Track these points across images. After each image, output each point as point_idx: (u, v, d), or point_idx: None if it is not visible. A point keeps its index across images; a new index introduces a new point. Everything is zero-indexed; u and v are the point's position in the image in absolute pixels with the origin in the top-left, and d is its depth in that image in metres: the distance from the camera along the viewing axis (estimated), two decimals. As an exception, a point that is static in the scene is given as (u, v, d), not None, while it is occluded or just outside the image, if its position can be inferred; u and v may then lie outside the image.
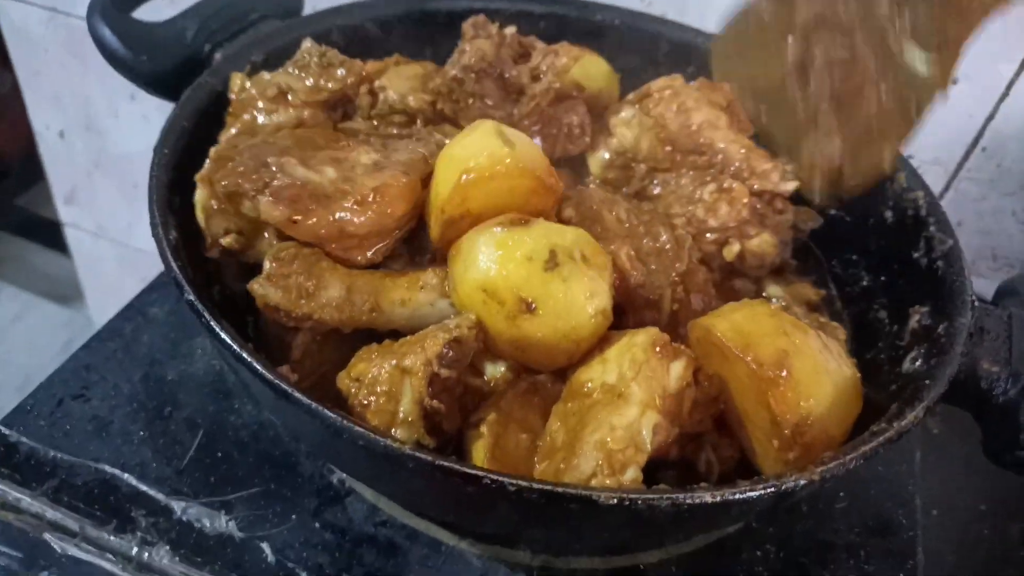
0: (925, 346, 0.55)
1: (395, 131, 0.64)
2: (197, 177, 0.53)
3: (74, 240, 1.50)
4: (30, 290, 2.23)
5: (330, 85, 0.61)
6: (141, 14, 0.68)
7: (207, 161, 0.53)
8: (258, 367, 0.43)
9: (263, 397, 0.48)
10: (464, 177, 0.51)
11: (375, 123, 0.64)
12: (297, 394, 0.42)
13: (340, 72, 0.62)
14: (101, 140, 1.33)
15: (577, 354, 0.50)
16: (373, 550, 0.55)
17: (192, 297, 0.46)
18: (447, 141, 0.57)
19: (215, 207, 0.52)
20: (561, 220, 0.54)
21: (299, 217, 0.50)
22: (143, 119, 1.27)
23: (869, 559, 0.59)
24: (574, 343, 0.49)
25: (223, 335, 0.45)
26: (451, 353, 0.48)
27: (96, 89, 1.27)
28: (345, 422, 0.41)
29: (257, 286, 0.50)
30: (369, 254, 0.53)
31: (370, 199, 0.51)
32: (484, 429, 0.49)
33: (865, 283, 0.67)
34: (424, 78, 0.67)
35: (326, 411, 0.41)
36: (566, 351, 0.49)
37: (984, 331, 0.54)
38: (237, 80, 0.61)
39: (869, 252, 0.67)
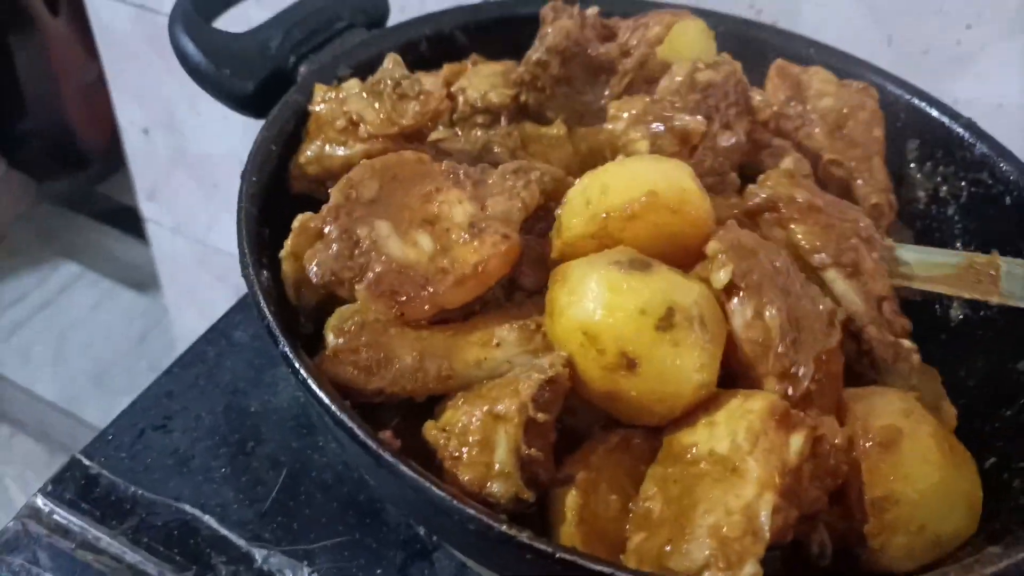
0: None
1: (479, 133, 0.60)
2: (282, 255, 0.49)
3: (154, 235, 1.52)
4: (109, 277, 2.28)
5: (403, 121, 0.56)
6: (224, 23, 0.65)
7: (291, 233, 0.50)
8: (360, 433, 0.40)
9: (359, 460, 0.45)
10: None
11: (457, 130, 0.60)
12: (403, 467, 0.38)
13: (413, 107, 0.57)
14: (183, 139, 1.33)
15: (669, 418, 0.46)
16: (462, 613, 0.51)
17: (287, 350, 0.43)
18: (540, 169, 0.53)
19: (306, 283, 0.49)
20: (705, 256, 0.49)
21: (403, 311, 0.47)
22: (223, 119, 1.26)
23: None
24: (668, 409, 0.45)
25: (322, 395, 0.41)
26: (546, 394, 0.44)
27: (178, 87, 1.27)
28: (455, 502, 0.37)
29: (324, 364, 0.46)
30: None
31: (470, 276, 0.48)
32: (573, 488, 0.45)
33: None
34: (504, 73, 0.62)
35: (435, 488, 0.38)
36: (659, 414, 0.45)
37: None
38: (320, 92, 0.58)
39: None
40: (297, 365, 0.42)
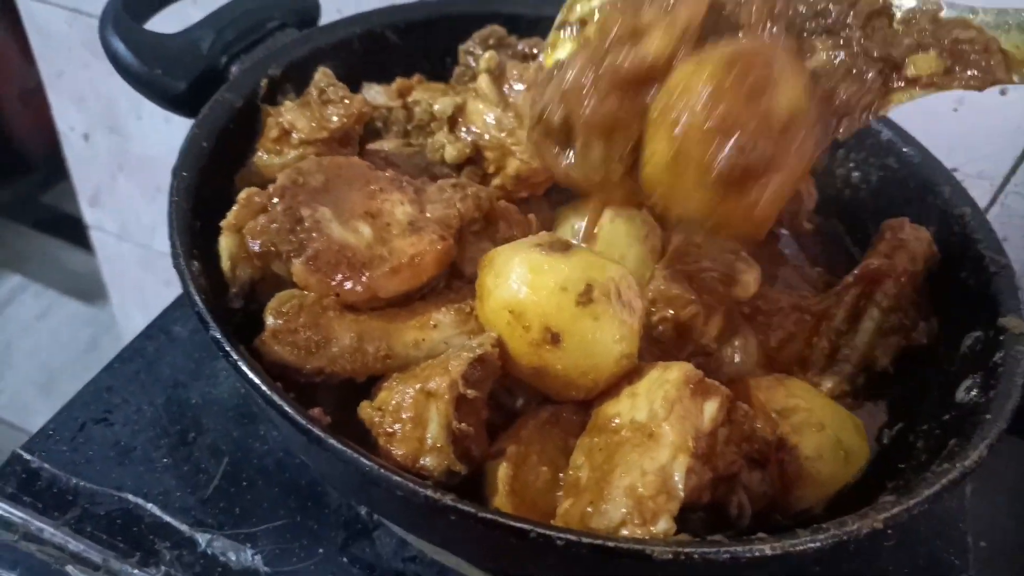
0: (980, 375, 0.52)
1: (431, 140, 0.62)
2: (224, 224, 0.50)
3: (98, 241, 1.50)
4: (55, 287, 2.24)
5: (330, 125, 0.59)
6: (155, 24, 0.66)
7: (235, 204, 0.51)
8: (289, 410, 0.41)
9: (292, 439, 0.46)
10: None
11: (411, 140, 0.62)
12: (332, 440, 0.40)
13: (338, 110, 0.59)
14: (125, 142, 1.32)
15: (594, 391, 0.48)
16: (402, 587, 0.53)
17: (219, 335, 0.44)
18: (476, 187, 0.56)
19: (242, 256, 0.50)
20: None
21: (338, 290, 0.48)
22: (165, 121, 1.26)
23: (919, 601, 0.57)
24: (592, 381, 0.47)
25: (252, 375, 0.43)
26: (477, 372, 0.47)
27: (119, 90, 1.26)
28: (383, 471, 0.39)
29: (262, 346, 0.48)
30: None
31: (406, 266, 0.50)
32: (504, 461, 0.47)
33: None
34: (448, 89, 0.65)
35: (363, 459, 0.39)
36: (583, 387, 0.48)
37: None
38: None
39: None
40: (227, 347, 0.43)
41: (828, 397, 0.55)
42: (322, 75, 0.61)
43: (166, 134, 1.27)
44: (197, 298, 0.46)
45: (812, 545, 0.39)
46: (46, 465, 0.56)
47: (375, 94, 0.66)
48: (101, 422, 0.59)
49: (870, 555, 0.59)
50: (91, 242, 1.53)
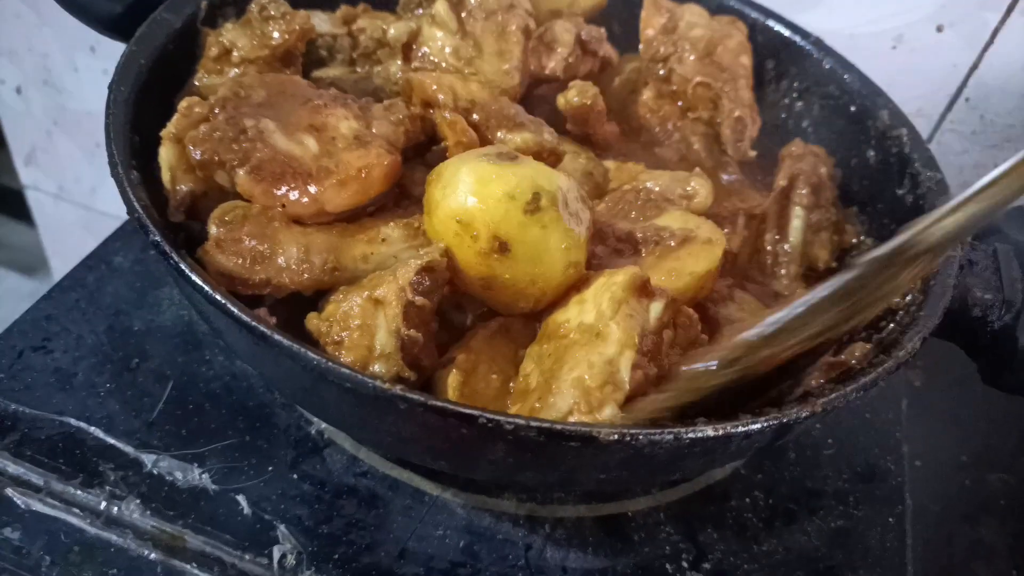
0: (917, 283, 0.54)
1: (378, 68, 0.61)
2: (164, 134, 0.49)
3: (35, 203, 1.45)
4: (-9, 262, 2.17)
5: (272, 41, 0.58)
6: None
7: (175, 114, 0.50)
8: (233, 309, 0.41)
9: (238, 343, 0.46)
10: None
11: (357, 68, 0.61)
12: (277, 336, 0.40)
13: (276, 29, 0.58)
14: (61, 96, 1.28)
15: (543, 301, 0.49)
16: (354, 501, 0.53)
17: (158, 238, 0.44)
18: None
19: (183, 167, 0.49)
20: None
21: (283, 201, 0.48)
22: (104, 74, 1.22)
23: (858, 505, 0.59)
24: (540, 291, 0.48)
25: (194, 277, 0.42)
26: (425, 281, 0.47)
27: (53, 42, 1.22)
28: (330, 364, 0.39)
29: (205, 255, 0.47)
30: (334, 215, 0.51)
31: (353, 179, 0.49)
32: (454, 368, 0.47)
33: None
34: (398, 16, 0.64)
35: (309, 352, 0.39)
36: (531, 296, 0.48)
37: (972, 263, 0.53)
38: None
39: (852, 193, 0.66)
40: (169, 251, 0.43)
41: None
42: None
43: (104, 87, 1.23)
44: (136, 204, 0.45)
45: (753, 427, 0.40)
46: (-18, 392, 0.55)
47: (319, 22, 0.65)
48: (40, 349, 0.58)
49: (810, 462, 0.60)
50: (29, 206, 1.48)
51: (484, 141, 0.54)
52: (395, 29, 0.61)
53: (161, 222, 0.46)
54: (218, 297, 0.42)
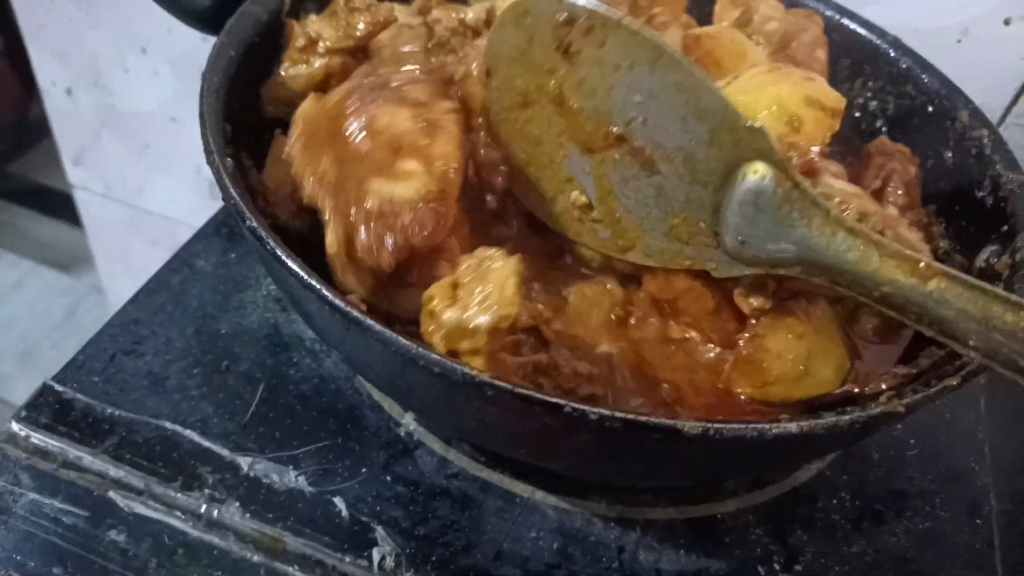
0: (999, 285, 0.53)
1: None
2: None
3: (82, 202, 1.47)
4: (29, 257, 2.20)
5: (357, 33, 0.59)
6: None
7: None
8: (327, 293, 0.42)
9: (328, 328, 0.46)
10: None
11: (431, 59, 0.61)
12: (369, 321, 0.41)
13: (365, 18, 0.59)
14: (110, 97, 1.29)
15: None
16: (447, 502, 0.53)
17: (254, 223, 0.44)
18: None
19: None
20: None
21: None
22: (153, 74, 1.23)
23: (944, 506, 0.59)
24: None
25: (288, 261, 0.43)
26: None
27: (104, 43, 1.23)
28: (420, 349, 0.40)
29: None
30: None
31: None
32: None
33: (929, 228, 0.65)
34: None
35: (400, 338, 0.40)
36: None
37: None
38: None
39: (928, 194, 0.65)
40: (264, 235, 0.43)
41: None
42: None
43: (152, 88, 1.24)
44: (233, 191, 0.45)
45: (839, 422, 0.41)
46: (79, 395, 0.55)
47: (400, 14, 0.65)
48: (131, 353, 0.58)
49: (894, 463, 0.60)
50: (76, 206, 1.49)
51: None
52: (473, 12, 0.61)
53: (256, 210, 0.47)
54: (312, 281, 0.42)
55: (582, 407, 0.39)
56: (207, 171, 0.47)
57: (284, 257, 0.43)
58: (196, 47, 1.16)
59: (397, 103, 0.49)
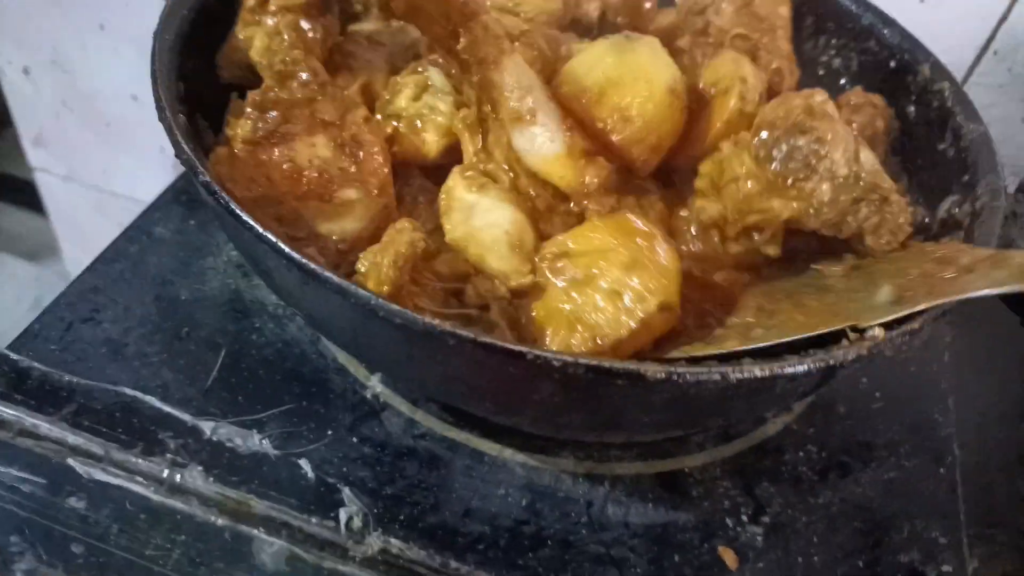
0: (960, 234, 0.54)
1: None
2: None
3: (45, 185, 1.44)
4: (-5, 248, 2.16)
5: None
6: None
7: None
8: (284, 248, 0.41)
9: (288, 286, 0.46)
10: None
11: (393, 21, 0.60)
12: (328, 274, 0.40)
13: None
14: (69, 77, 1.26)
15: None
16: (415, 462, 0.53)
17: (207, 177, 0.44)
18: None
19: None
20: None
21: None
22: (113, 52, 1.21)
23: (909, 456, 0.59)
24: None
25: (245, 216, 0.42)
26: None
27: (62, 21, 1.20)
28: (381, 300, 0.40)
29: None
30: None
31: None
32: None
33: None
34: None
35: (360, 290, 0.40)
36: None
37: (1016, 215, 0.53)
38: None
39: (893, 148, 0.66)
40: (217, 190, 0.43)
41: None
42: None
43: (113, 67, 1.22)
44: (185, 146, 0.44)
45: (800, 368, 0.41)
46: (36, 364, 0.54)
47: None
48: (89, 321, 0.57)
49: (860, 415, 0.61)
50: (37, 188, 1.46)
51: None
52: None
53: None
54: (268, 235, 0.41)
55: (544, 354, 0.39)
56: (171, 150, 0.46)
57: (238, 211, 0.42)
58: (155, 22, 1.14)
59: (309, 131, 0.49)
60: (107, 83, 1.25)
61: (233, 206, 0.42)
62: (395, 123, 0.55)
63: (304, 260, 0.41)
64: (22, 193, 2.21)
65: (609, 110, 0.52)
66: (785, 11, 0.66)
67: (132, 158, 1.32)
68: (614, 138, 0.52)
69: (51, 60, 1.25)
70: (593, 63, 0.53)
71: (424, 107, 0.56)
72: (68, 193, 1.43)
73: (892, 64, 0.66)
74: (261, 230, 0.42)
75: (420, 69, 0.58)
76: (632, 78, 0.52)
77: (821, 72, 0.71)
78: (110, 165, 1.35)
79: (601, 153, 0.52)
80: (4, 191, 2.25)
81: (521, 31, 0.56)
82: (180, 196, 0.66)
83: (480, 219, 0.50)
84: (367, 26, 0.61)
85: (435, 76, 0.57)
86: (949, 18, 0.82)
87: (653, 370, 0.39)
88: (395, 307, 0.40)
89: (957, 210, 0.56)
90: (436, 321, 0.39)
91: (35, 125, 1.36)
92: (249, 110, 0.49)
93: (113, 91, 1.25)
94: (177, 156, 0.45)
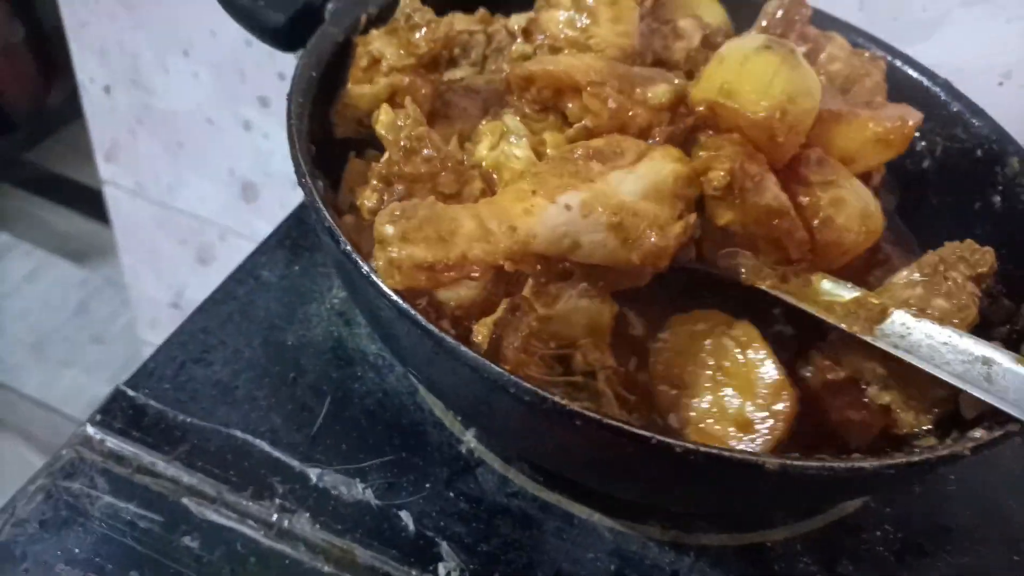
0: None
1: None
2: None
3: (112, 198, 1.48)
4: (44, 247, 2.21)
5: (418, 50, 0.60)
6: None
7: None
8: (419, 317, 0.43)
9: (415, 350, 0.48)
10: None
11: (490, 65, 0.63)
12: (462, 348, 0.42)
13: (424, 34, 0.60)
14: (147, 96, 1.31)
15: None
16: (508, 521, 0.55)
17: (348, 247, 0.46)
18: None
19: None
20: None
21: None
22: (193, 76, 1.25)
23: (983, 541, 0.60)
24: None
25: (381, 284, 0.44)
26: None
27: (145, 43, 1.25)
28: (510, 376, 0.42)
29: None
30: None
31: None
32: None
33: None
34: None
35: (490, 364, 0.42)
36: None
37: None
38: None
39: (976, 236, 0.67)
40: (358, 259, 0.45)
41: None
42: (408, 2, 0.61)
43: (193, 90, 1.26)
44: (327, 214, 0.47)
45: (911, 461, 0.42)
46: (151, 402, 0.57)
47: (458, 20, 0.66)
48: (200, 362, 0.60)
49: (936, 498, 0.62)
50: (104, 201, 1.51)
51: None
52: (515, 18, 0.63)
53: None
54: (407, 307, 0.44)
55: (668, 440, 0.41)
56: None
57: (380, 283, 0.44)
58: (237, 52, 1.17)
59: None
60: (184, 105, 1.29)
61: (374, 278, 0.45)
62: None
63: (440, 333, 0.43)
64: (75, 196, 2.26)
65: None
66: (882, 101, 0.68)
67: (199, 178, 1.36)
68: None
69: (132, 80, 1.30)
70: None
71: (501, 155, 0.57)
72: (134, 206, 1.47)
73: (979, 153, 0.68)
74: (401, 302, 0.44)
75: (499, 115, 0.59)
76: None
77: (905, 158, 0.73)
78: (178, 183, 1.39)
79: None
80: (58, 193, 2.30)
81: (589, 81, 0.55)
82: (285, 240, 0.69)
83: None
84: (459, 72, 0.64)
85: (510, 120, 0.57)
86: (1026, 102, 0.84)
87: (771, 462, 0.41)
88: (525, 384, 0.42)
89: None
90: (563, 400, 0.41)
91: (108, 139, 1.40)
92: (375, 182, 0.52)
93: (189, 113, 1.29)
94: (317, 223, 0.48)
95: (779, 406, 0.49)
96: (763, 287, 0.53)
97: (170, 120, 1.32)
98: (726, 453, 0.41)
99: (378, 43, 0.60)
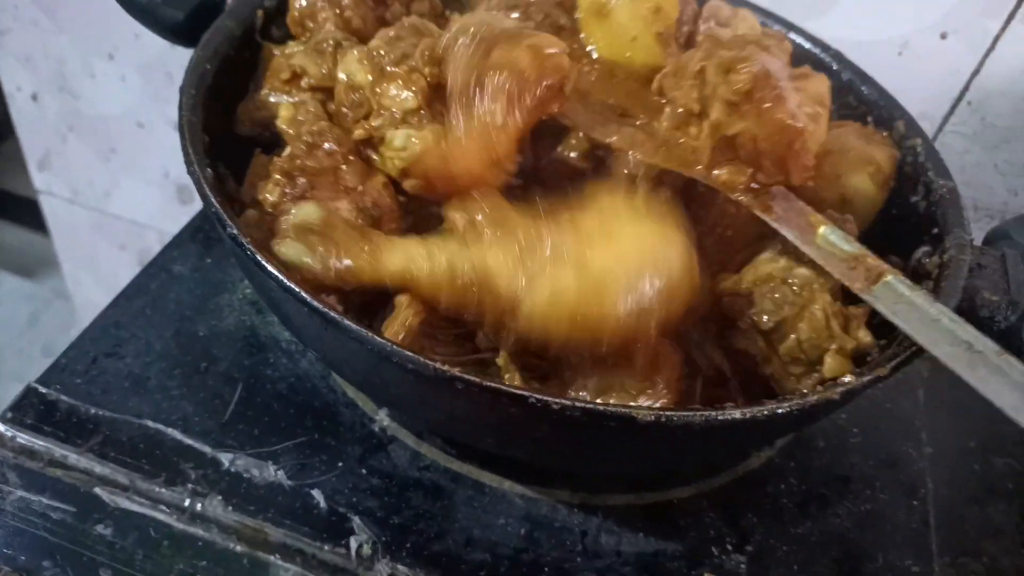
0: (928, 283, 0.58)
1: None
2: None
3: (48, 208, 1.47)
4: (-8, 263, 2.17)
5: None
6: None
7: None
8: (305, 296, 0.44)
9: (307, 330, 0.49)
10: None
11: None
12: (346, 321, 0.44)
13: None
14: (76, 102, 1.30)
15: None
16: (420, 493, 0.56)
17: (235, 230, 0.47)
18: None
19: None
20: None
21: None
22: (120, 80, 1.24)
23: (883, 489, 0.63)
24: None
25: (268, 266, 0.46)
26: None
27: (70, 48, 1.24)
28: (394, 347, 0.43)
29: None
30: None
31: None
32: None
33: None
34: None
35: (375, 336, 0.43)
36: None
37: (981, 267, 0.57)
38: (274, 49, 0.61)
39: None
40: (244, 242, 0.46)
41: None
42: (336, 27, 0.62)
43: (121, 93, 1.25)
44: (214, 200, 0.48)
45: (779, 410, 0.44)
46: (63, 397, 0.57)
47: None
48: (112, 355, 0.60)
49: (838, 450, 0.65)
50: (41, 211, 1.49)
51: None
52: None
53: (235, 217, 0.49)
54: (291, 285, 0.45)
55: (545, 398, 0.42)
56: (175, 175, 0.50)
57: (263, 262, 0.46)
58: (163, 53, 1.17)
59: (334, 197, 0.52)
60: (113, 109, 1.28)
61: (259, 257, 0.46)
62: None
63: (325, 308, 0.44)
64: (18, 209, 2.23)
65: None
66: None
67: (135, 182, 1.35)
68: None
69: (59, 86, 1.29)
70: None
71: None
72: (71, 214, 1.46)
73: (869, 119, 0.71)
74: (285, 280, 0.45)
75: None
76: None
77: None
78: (113, 188, 1.38)
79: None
80: (5, 207, 2.27)
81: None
82: (197, 234, 0.70)
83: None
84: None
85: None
86: (926, 71, 0.87)
87: (643, 414, 0.43)
88: (408, 353, 0.43)
89: (927, 260, 0.60)
90: (446, 367, 0.43)
91: (40, 148, 1.39)
92: (277, 176, 0.52)
93: (118, 117, 1.29)
94: (206, 209, 0.49)
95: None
96: (767, 220, 0.53)
97: (100, 125, 1.31)
98: (600, 407, 0.43)
99: (300, 59, 0.60)
